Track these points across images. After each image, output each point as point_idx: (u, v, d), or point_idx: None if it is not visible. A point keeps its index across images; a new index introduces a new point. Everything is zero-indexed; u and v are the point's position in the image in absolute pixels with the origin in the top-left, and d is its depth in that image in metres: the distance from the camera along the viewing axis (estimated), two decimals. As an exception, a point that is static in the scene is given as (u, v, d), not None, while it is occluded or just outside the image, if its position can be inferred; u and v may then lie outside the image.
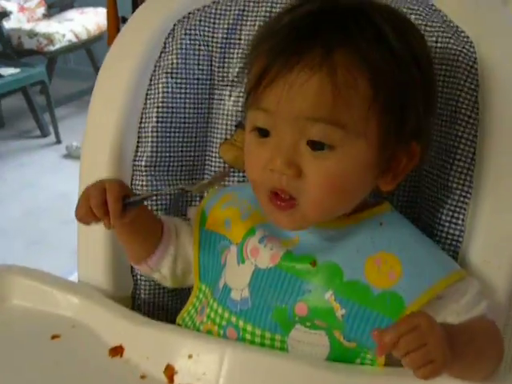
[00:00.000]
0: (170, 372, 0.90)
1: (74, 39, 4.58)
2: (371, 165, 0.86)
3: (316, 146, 0.83)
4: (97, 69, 4.42)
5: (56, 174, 3.85)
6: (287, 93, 0.82)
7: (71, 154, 4.06)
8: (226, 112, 1.16)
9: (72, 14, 4.83)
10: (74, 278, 1.14)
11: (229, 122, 1.16)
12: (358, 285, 0.88)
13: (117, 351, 0.94)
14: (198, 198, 1.18)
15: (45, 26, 4.55)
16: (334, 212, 0.90)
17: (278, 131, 0.85)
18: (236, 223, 0.99)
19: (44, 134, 4.41)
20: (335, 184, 0.85)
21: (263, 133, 0.87)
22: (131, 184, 1.12)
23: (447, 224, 0.99)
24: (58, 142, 4.33)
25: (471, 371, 0.84)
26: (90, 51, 4.90)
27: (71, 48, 4.67)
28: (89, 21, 4.72)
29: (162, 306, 1.16)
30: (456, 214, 0.98)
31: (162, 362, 0.90)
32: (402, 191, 1.09)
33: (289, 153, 0.84)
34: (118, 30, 2.58)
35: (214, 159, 1.18)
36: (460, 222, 0.98)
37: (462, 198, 0.97)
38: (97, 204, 0.88)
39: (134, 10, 1.20)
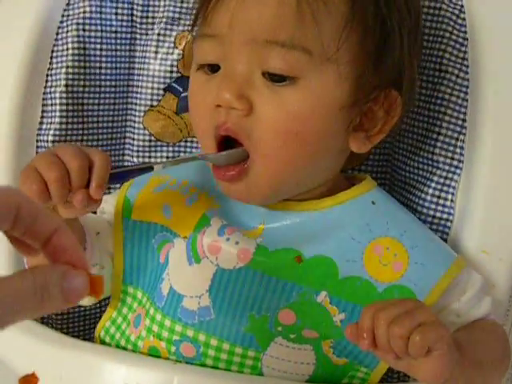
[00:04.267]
0: (101, 408, 0.70)
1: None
2: (341, 107, 0.70)
3: (274, 76, 0.69)
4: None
5: None
6: (240, 10, 0.68)
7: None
8: (150, 73, 0.96)
9: None
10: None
11: (155, 86, 0.96)
12: (358, 281, 0.73)
13: (29, 382, 0.75)
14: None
15: None
16: (296, 175, 0.73)
17: (229, 60, 0.70)
18: (180, 210, 0.79)
19: None
20: (295, 124, 0.69)
21: (212, 68, 0.73)
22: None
23: (433, 206, 0.84)
24: None
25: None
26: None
27: None
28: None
29: (78, 313, 0.96)
30: (443, 194, 0.84)
31: (90, 396, 0.71)
32: (371, 166, 0.94)
33: (239, 83, 0.70)
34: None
35: (136, 130, 0.98)
36: (448, 203, 0.84)
37: (450, 175, 0.84)
38: (80, 167, 0.65)
39: None
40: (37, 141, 0.91)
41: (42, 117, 0.91)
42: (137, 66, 0.96)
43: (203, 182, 0.80)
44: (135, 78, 0.96)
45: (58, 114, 0.91)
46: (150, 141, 0.97)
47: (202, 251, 0.75)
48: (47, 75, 0.91)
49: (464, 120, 0.82)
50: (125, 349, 0.79)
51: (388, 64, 0.72)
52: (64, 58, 0.90)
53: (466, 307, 0.75)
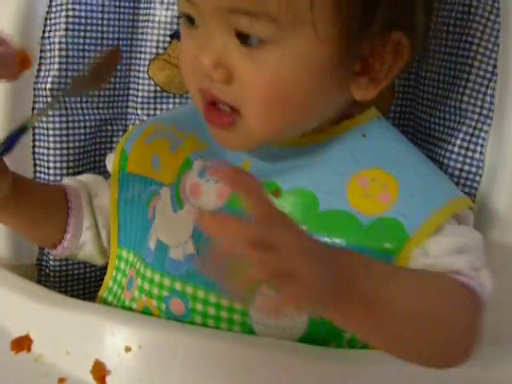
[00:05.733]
0: (99, 372, 0.65)
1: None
2: (329, 64, 0.64)
3: (245, 39, 0.63)
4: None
5: None
6: None
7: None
8: (156, 19, 0.91)
9: None
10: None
11: (161, 33, 0.91)
12: (341, 215, 0.67)
13: (22, 344, 0.70)
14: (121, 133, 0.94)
15: None
16: (290, 128, 0.69)
17: (204, 22, 0.64)
18: (165, 159, 0.77)
19: None
20: (277, 89, 0.63)
21: (191, 21, 0.67)
22: (32, 114, 0.87)
23: (461, 158, 0.79)
24: None
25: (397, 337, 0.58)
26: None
27: None
28: None
29: (78, 276, 0.93)
30: (472, 146, 0.79)
31: (88, 359, 0.66)
32: (392, 118, 0.89)
33: (216, 49, 0.64)
34: None
35: (140, 81, 0.93)
36: (477, 155, 0.79)
37: (479, 125, 0.78)
38: None
39: None
40: (34, 89, 0.86)
41: (40, 63, 0.87)
42: (142, 11, 0.92)
43: (192, 125, 0.76)
44: (140, 24, 0.92)
45: (56, 60, 0.86)
46: (155, 91, 0.93)
47: (184, 195, 0.73)
48: (46, 19, 0.86)
49: (495, 66, 0.76)
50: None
51: (380, 8, 0.63)
52: (64, 1, 0.86)
53: (443, 249, 0.65)
